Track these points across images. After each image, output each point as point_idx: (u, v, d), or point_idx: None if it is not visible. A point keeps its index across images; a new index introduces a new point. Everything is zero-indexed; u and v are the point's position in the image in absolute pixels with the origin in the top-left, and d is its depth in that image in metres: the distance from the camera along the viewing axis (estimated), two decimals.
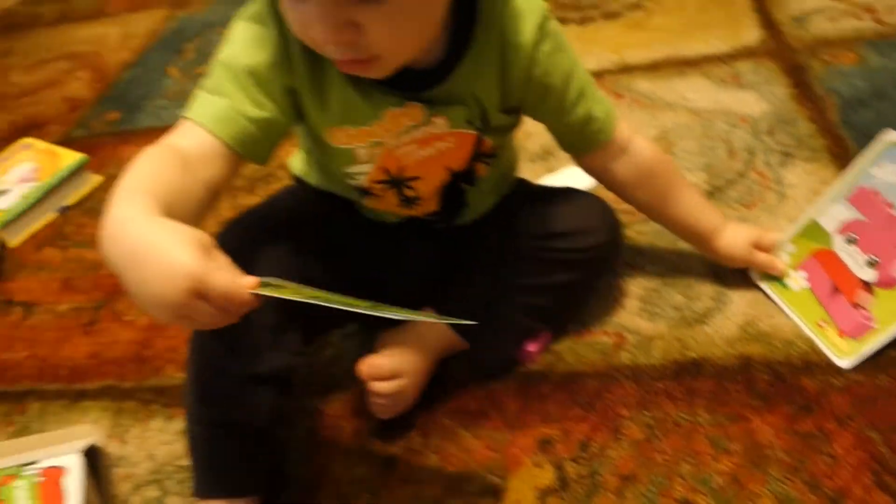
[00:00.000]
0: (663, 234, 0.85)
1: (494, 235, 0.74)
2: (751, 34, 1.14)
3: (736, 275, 0.79)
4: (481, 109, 0.64)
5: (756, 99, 1.01)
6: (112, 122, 1.36)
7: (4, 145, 1.36)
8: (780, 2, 1.20)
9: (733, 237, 0.76)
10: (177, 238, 0.44)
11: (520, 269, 0.72)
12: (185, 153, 0.55)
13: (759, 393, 0.68)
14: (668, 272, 0.81)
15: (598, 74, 1.13)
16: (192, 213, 0.52)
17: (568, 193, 0.75)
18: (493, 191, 0.75)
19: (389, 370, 0.68)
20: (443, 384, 0.75)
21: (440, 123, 0.63)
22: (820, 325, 0.71)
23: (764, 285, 0.77)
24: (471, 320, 0.68)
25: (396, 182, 0.67)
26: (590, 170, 0.74)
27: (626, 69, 1.14)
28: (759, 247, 0.76)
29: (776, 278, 0.76)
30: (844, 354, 0.69)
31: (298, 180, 0.78)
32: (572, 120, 0.68)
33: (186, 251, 0.43)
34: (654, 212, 0.76)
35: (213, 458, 0.66)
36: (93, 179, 1.19)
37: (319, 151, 0.68)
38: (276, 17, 0.57)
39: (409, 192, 0.68)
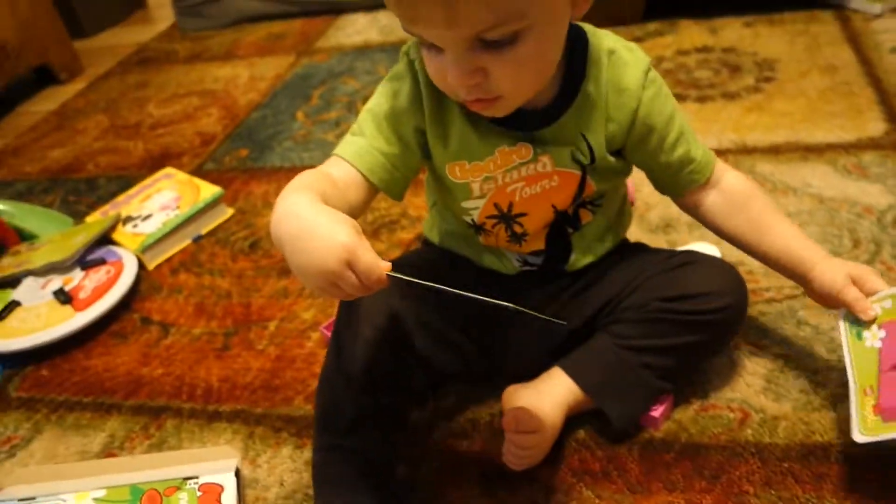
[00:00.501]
0: (787, 316, 0.87)
1: (615, 292, 0.77)
2: (875, 126, 1.15)
3: None
4: (588, 149, 0.69)
5: (881, 191, 1.02)
6: (242, 159, 1.45)
7: (139, 171, 1.48)
8: None
9: (832, 268, 0.73)
10: (338, 219, 0.54)
11: (646, 329, 0.74)
12: (333, 177, 0.66)
13: (894, 484, 0.68)
14: (793, 355, 0.82)
15: (719, 153, 1.14)
16: None
17: (692, 255, 0.78)
18: (599, 240, 0.79)
19: (533, 423, 0.71)
20: (566, 443, 0.77)
21: (546, 162, 0.70)
22: (865, 393, 0.68)
23: (842, 325, 0.73)
24: (597, 378, 0.74)
25: (506, 217, 0.74)
26: (684, 207, 0.79)
27: (747, 150, 1.16)
28: (857, 284, 0.72)
29: (857, 323, 0.72)
30: (866, 430, 0.65)
31: (426, 242, 0.88)
32: (672, 160, 0.73)
33: (345, 229, 0.53)
34: (750, 244, 0.76)
35: (328, 478, 0.70)
36: (226, 212, 1.27)
37: (442, 192, 0.76)
38: (410, 72, 0.68)
39: (517, 229, 0.75)
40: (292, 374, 0.93)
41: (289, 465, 0.81)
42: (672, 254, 0.80)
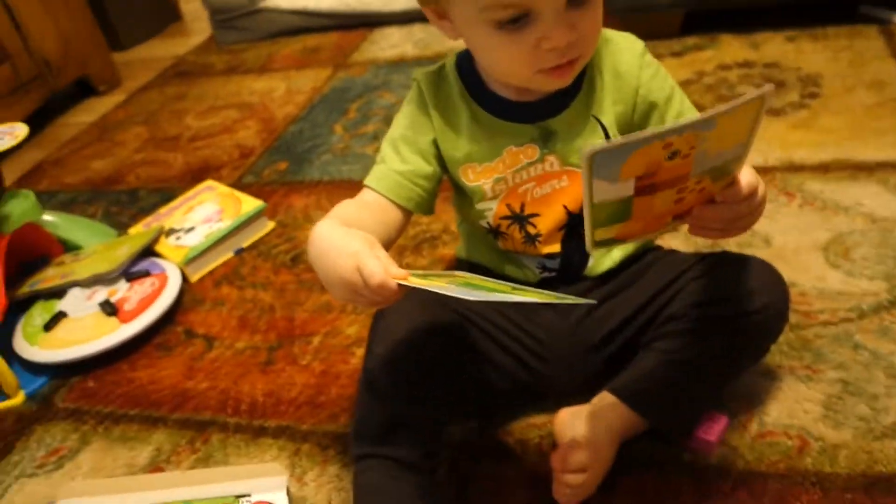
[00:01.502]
0: (843, 340, 0.85)
1: (645, 300, 0.77)
2: None
3: None
4: (603, 130, 0.72)
5: None
6: (281, 172, 1.46)
7: (179, 184, 1.49)
8: None
9: None
10: (352, 234, 0.62)
11: (690, 340, 0.73)
12: (367, 202, 0.75)
13: None
14: (851, 380, 0.80)
15: (766, 171, 1.15)
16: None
17: (726, 256, 0.77)
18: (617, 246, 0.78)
19: (581, 464, 0.70)
20: (620, 468, 0.76)
21: (553, 161, 0.73)
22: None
23: None
24: (650, 400, 0.74)
25: (519, 218, 0.76)
26: None
27: (795, 168, 1.15)
28: None
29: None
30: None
31: (458, 260, 0.90)
32: None
33: (355, 240, 0.60)
34: None
35: (363, 486, 0.70)
36: (267, 225, 1.27)
37: (461, 200, 0.80)
38: (418, 92, 0.75)
39: (530, 229, 0.77)
40: (337, 391, 0.93)
41: (336, 483, 0.81)
42: (703, 256, 0.79)
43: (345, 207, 0.72)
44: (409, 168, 0.74)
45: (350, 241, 0.60)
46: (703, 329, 0.73)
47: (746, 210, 0.60)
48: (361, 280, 0.56)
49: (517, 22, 0.61)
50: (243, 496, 0.72)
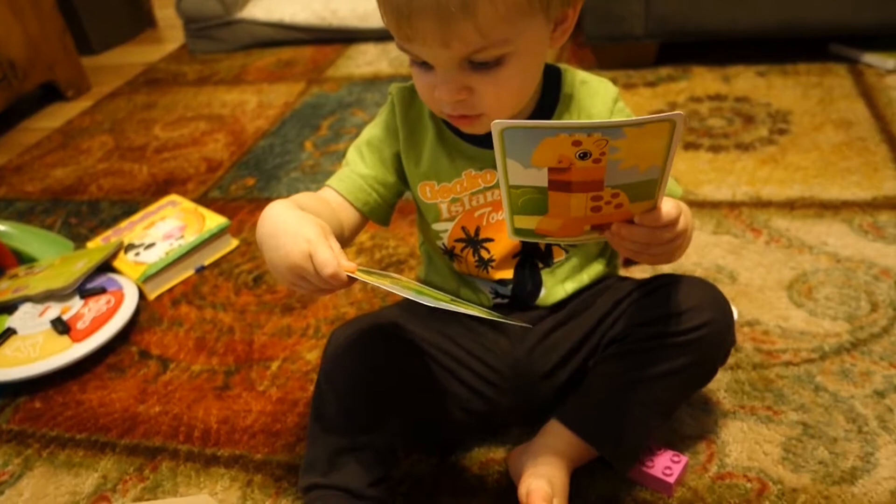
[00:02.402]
0: (805, 381, 0.85)
1: (593, 323, 0.77)
2: (891, 185, 1.15)
3: (884, 436, 0.78)
4: None
5: None
6: (249, 188, 1.43)
7: (143, 196, 1.46)
8: None
9: None
10: (306, 219, 0.61)
11: (633, 361, 0.73)
12: (325, 198, 0.75)
13: None
14: (812, 422, 0.80)
15: (734, 206, 1.15)
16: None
17: (669, 277, 0.77)
18: (571, 278, 0.78)
19: (550, 493, 0.68)
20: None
21: None
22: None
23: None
24: (594, 425, 0.73)
25: (473, 242, 0.77)
26: None
27: (762, 204, 1.15)
28: None
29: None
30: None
31: (418, 280, 0.88)
32: None
33: (310, 227, 0.60)
34: None
35: None
36: (230, 243, 1.25)
37: (420, 218, 0.81)
38: (390, 104, 0.76)
39: (484, 254, 0.77)
40: (294, 420, 0.90)
41: None
42: (648, 280, 0.79)
43: (302, 196, 0.71)
44: (371, 173, 0.76)
45: (304, 225, 0.60)
46: (644, 349, 0.72)
47: (663, 238, 0.61)
48: (312, 267, 0.58)
49: (421, 63, 0.64)
50: None
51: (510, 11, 0.58)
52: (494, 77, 0.62)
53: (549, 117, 0.72)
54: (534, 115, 0.73)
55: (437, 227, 0.77)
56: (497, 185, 0.73)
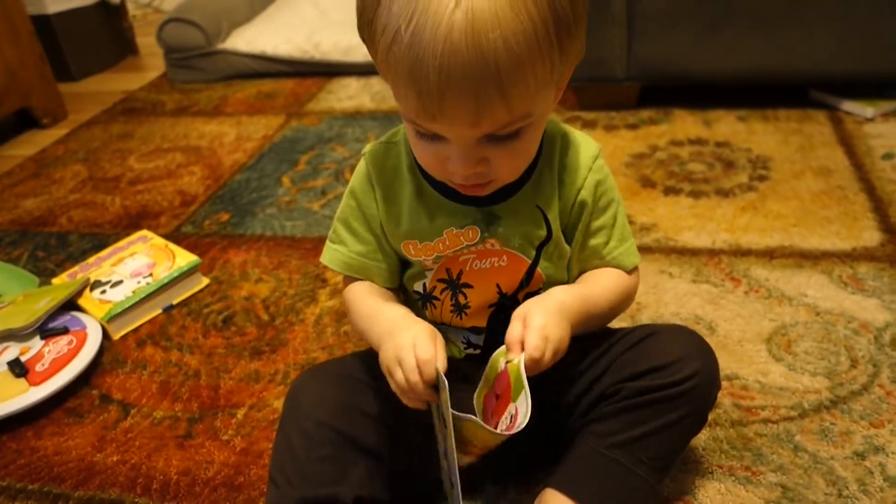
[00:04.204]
0: (784, 440, 0.83)
1: (574, 375, 0.75)
2: (871, 236, 1.14)
3: (864, 500, 0.75)
4: (545, 221, 0.71)
5: (878, 307, 1.00)
6: (223, 223, 1.40)
7: (114, 230, 1.43)
8: None
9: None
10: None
11: (627, 419, 0.70)
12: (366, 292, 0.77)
13: None
14: (791, 485, 0.78)
15: (714, 253, 1.14)
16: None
17: (651, 328, 0.76)
18: None
19: None
20: None
21: (493, 243, 0.71)
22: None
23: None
24: (595, 490, 0.71)
25: (453, 284, 0.75)
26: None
27: (742, 252, 1.14)
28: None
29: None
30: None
31: None
32: (587, 245, 0.74)
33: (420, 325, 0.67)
34: None
35: None
36: (201, 281, 1.21)
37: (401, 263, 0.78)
38: (365, 168, 0.74)
39: (461, 299, 0.75)
40: (258, 472, 0.87)
41: None
42: (629, 330, 0.77)
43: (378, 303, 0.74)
44: (371, 248, 0.75)
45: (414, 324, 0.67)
46: (637, 405, 0.70)
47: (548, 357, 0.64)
48: (412, 359, 0.64)
49: (432, 137, 0.61)
50: None
51: (539, 87, 0.57)
52: (511, 148, 0.61)
53: (533, 168, 0.70)
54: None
55: (419, 271, 0.76)
56: (481, 242, 0.71)
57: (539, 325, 0.64)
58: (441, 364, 0.63)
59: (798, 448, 0.82)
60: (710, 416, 0.84)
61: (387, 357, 0.66)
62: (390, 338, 0.66)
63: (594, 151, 0.73)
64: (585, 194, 0.71)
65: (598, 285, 0.74)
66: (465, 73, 0.53)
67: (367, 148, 0.75)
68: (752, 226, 1.20)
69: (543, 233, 0.71)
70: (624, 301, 0.76)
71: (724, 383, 0.90)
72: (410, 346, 0.64)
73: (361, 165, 0.74)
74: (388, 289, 0.78)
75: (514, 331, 0.65)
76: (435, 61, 0.53)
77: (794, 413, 0.86)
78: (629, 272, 0.76)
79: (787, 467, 0.80)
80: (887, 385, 0.88)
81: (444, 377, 0.62)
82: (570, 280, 0.77)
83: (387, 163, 0.73)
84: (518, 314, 0.66)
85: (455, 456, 0.63)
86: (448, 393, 0.62)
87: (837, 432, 0.83)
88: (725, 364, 0.93)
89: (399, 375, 0.64)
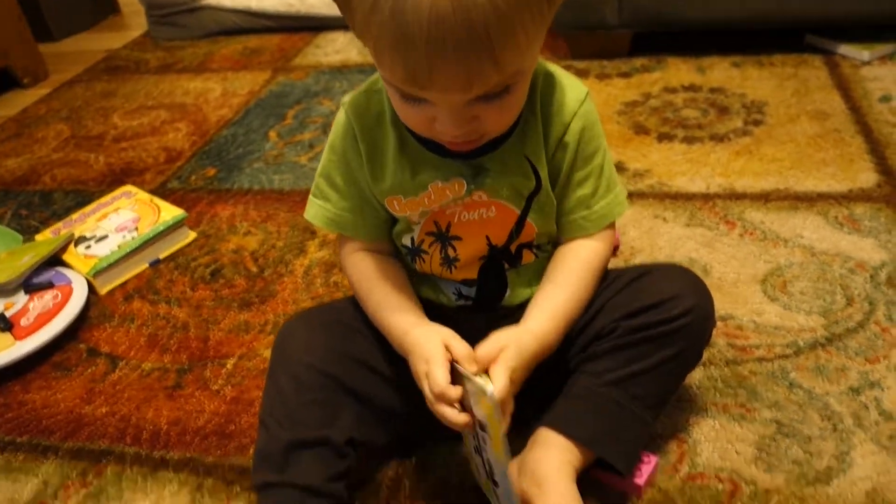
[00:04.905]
0: (779, 378, 0.82)
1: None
2: (867, 177, 1.12)
3: (859, 433, 0.75)
4: (533, 171, 0.68)
5: (874, 246, 0.99)
6: (209, 179, 1.38)
7: (99, 187, 1.40)
8: (895, 148, 1.19)
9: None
10: (428, 335, 0.66)
11: (622, 357, 0.70)
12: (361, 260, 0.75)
13: None
14: (786, 420, 0.77)
15: (708, 198, 1.12)
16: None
17: (645, 267, 0.75)
18: (539, 278, 0.74)
19: None
20: None
21: (481, 195, 0.69)
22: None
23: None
24: (592, 428, 0.70)
25: (442, 237, 0.72)
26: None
27: (736, 196, 1.12)
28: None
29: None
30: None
31: None
32: (570, 197, 0.71)
33: (431, 345, 0.64)
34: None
35: None
36: (188, 235, 1.19)
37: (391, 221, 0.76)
38: (346, 121, 0.70)
39: (450, 252, 0.73)
40: (248, 420, 0.86)
41: None
42: (623, 271, 0.76)
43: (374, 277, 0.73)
44: (356, 204, 0.72)
45: (426, 343, 0.65)
46: (632, 342, 0.69)
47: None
48: (427, 387, 0.63)
49: (418, 99, 0.58)
50: None
51: (530, 43, 0.54)
52: (501, 104, 0.58)
53: (515, 125, 0.67)
54: None
55: (406, 226, 0.73)
56: (468, 195, 0.68)
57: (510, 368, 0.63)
58: (450, 393, 0.62)
59: (793, 385, 0.81)
60: (705, 356, 0.83)
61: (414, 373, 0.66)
62: (410, 355, 0.67)
63: (580, 95, 0.69)
64: (569, 139, 0.68)
65: (572, 287, 0.71)
66: (455, 44, 0.50)
67: (347, 98, 0.71)
68: (747, 170, 1.19)
69: (532, 184, 0.69)
70: (600, 276, 0.74)
71: (719, 324, 0.89)
72: (423, 375, 0.64)
73: (341, 117, 0.71)
74: (381, 247, 0.75)
75: (487, 352, 0.64)
76: (422, 32, 0.49)
77: (789, 351, 0.85)
78: (605, 228, 0.73)
79: (781, 404, 0.79)
80: (883, 322, 0.88)
81: (490, 391, 0.60)
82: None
83: (368, 114, 0.69)
84: (497, 343, 0.64)
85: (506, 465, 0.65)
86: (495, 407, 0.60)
87: (833, 369, 0.83)
88: (720, 305, 0.91)
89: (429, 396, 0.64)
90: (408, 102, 0.59)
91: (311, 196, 0.75)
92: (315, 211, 0.75)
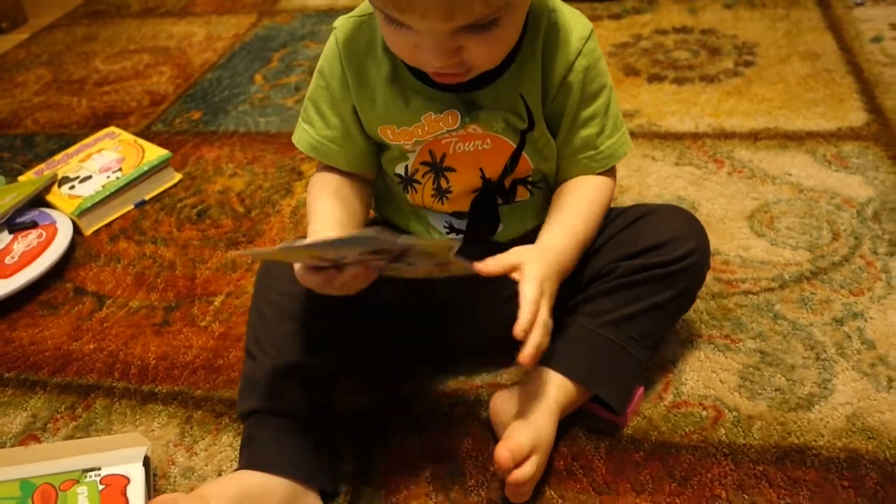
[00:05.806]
0: (764, 310, 0.83)
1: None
2: (856, 116, 1.12)
3: (842, 362, 0.76)
4: (526, 109, 0.67)
5: (861, 183, 0.99)
6: (194, 121, 1.36)
7: (81, 130, 1.38)
8: (886, 87, 1.18)
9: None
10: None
11: (620, 298, 0.70)
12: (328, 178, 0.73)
13: (868, 493, 0.65)
14: (770, 350, 0.78)
15: (697, 137, 1.12)
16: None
17: (645, 207, 0.74)
18: (532, 216, 0.74)
19: (529, 447, 0.63)
20: None
21: (475, 128, 0.67)
22: None
23: None
24: (587, 366, 0.70)
25: (436, 168, 0.71)
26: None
27: (725, 135, 1.12)
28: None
29: None
30: None
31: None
32: (575, 138, 0.70)
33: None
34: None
35: (251, 438, 0.67)
36: (173, 177, 1.18)
37: (380, 148, 0.74)
38: (336, 48, 0.68)
39: (443, 183, 0.72)
40: (237, 354, 0.86)
41: (228, 453, 0.75)
42: (622, 210, 0.75)
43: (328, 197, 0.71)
44: (340, 134, 0.71)
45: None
46: (632, 283, 0.69)
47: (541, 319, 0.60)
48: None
49: (400, 23, 0.57)
50: (91, 470, 0.64)
51: None
52: (488, 37, 0.56)
53: (516, 50, 0.65)
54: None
55: (400, 153, 0.72)
56: (462, 127, 0.67)
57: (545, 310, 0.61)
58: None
59: (777, 316, 0.82)
60: None
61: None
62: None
63: (584, 32, 0.67)
64: (573, 78, 0.66)
65: (583, 214, 0.69)
66: None
67: (338, 22, 0.69)
68: (737, 110, 1.18)
69: (525, 124, 0.68)
70: (605, 213, 0.72)
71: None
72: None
73: (331, 43, 0.69)
74: (351, 176, 0.73)
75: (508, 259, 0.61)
76: None
77: (774, 284, 0.86)
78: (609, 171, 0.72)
79: (765, 334, 0.80)
80: (868, 255, 0.88)
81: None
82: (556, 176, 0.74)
83: (359, 40, 0.68)
84: (519, 256, 0.62)
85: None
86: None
87: (817, 301, 0.83)
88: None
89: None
90: (391, 25, 0.58)
91: (299, 119, 0.74)
92: (300, 135, 0.74)
